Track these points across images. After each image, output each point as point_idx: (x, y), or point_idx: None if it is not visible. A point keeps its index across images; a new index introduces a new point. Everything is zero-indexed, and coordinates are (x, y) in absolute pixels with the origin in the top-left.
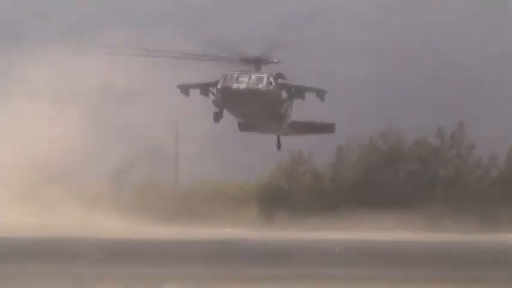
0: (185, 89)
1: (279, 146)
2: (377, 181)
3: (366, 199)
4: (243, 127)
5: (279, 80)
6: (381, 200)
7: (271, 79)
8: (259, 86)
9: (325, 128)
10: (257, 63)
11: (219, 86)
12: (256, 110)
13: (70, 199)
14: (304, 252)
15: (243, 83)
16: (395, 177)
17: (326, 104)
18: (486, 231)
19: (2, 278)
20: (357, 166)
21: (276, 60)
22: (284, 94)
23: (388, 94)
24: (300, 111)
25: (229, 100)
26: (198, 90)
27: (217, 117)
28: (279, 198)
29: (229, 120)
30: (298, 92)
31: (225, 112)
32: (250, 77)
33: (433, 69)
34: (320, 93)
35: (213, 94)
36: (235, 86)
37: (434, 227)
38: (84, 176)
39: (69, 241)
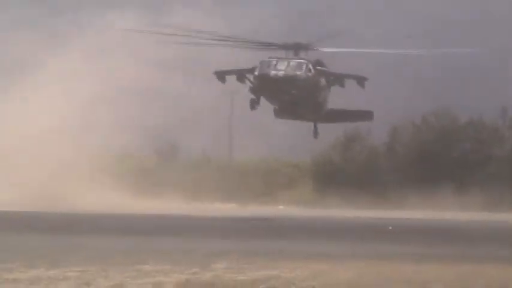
0: (221, 75)
1: (315, 135)
2: (431, 160)
3: (420, 178)
4: (279, 114)
5: (318, 67)
6: (434, 179)
7: (310, 66)
8: (298, 72)
9: (363, 116)
10: (296, 49)
11: (256, 73)
12: (295, 97)
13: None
14: (357, 230)
15: (281, 69)
16: (448, 156)
17: (377, 86)
18: None
19: None
20: (411, 145)
21: (316, 48)
22: (323, 81)
23: (445, 74)
24: (353, 95)
25: (266, 87)
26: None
27: (254, 104)
28: (333, 175)
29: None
30: (337, 79)
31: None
32: (288, 64)
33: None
34: (360, 81)
35: (250, 81)
36: (273, 72)
37: (491, 207)
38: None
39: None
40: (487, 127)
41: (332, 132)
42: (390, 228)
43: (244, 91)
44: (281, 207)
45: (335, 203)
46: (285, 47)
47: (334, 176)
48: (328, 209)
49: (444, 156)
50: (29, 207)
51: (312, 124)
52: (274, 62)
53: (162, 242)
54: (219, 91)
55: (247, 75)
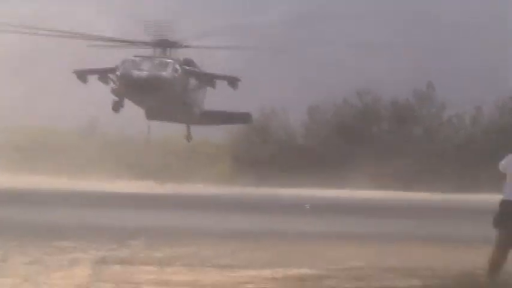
0: (82, 75)
1: (188, 138)
2: (349, 140)
3: (338, 157)
4: (149, 115)
5: (186, 67)
6: (352, 158)
7: (177, 65)
8: (163, 73)
9: (241, 118)
10: (164, 47)
11: (118, 73)
12: (160, 99)
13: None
14: (274, 206)
15: (145, 69)
16: (369, 136)
17: (324, 65)
18: (459, 191)
19: None
20: (329, 125)
21: (185, 45)
22: (192, 82)
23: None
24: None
25: (129, 89)
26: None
27: (117, 106)
28: (251, 154)
29: None
30: (207, 79)
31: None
32: (153, 63)
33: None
34: (232, 82)
35: (113, 81)
36: (136, 73)
37: (407, 187)
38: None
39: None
40: (407, 107)
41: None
42: (307, 206)
43: None
44: (200, 185)
45: (253, 182)
46: (152, 44)
47: (253, 155)
48: (245, 187)
49: (362, 135)
50: None
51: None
52: (138, 61)
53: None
54: None
55: (110, 76)
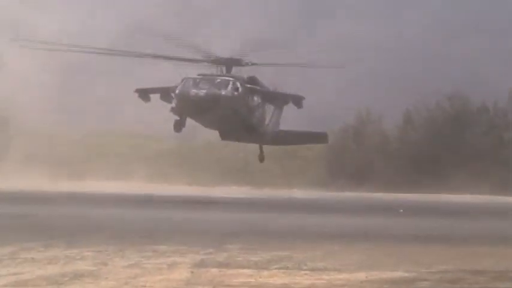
0: (144, 94)
1: (261, 158)
2: (443, 144)
3: (432, 162)
4: (223, 136)
5: (249, 85)
6: (446, 162)
7: (238, 84)
8: (223, 92)
9: (317, 138)
10: (228, 65)
11: (176, 91)
12: (221, 118)
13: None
14: (369, 209)
15: (204, 88)
16: (461, 140)
17: (394, 70)
18: None
19: None
20: (423, 128)
21: (249, 63)
22: (256, 100)
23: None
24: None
25: (187, 108)
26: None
27: (179, 126)
28: (346, 158)
29: None
30: (271, 98)
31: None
32: (212, 82)
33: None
34: (297, 100)
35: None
36: (193, 92)
37: (502, 191)
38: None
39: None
40: (498, 111)
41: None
42: (401, 211)
43: None
44: (295, 190)
45: (347, 186)
46: (216, 62)
47: (347, 159)
48: (340, 192)
49: (457, 140)
50: None
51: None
52: (198, 80)
53: None
54: None
55: (172, 94)
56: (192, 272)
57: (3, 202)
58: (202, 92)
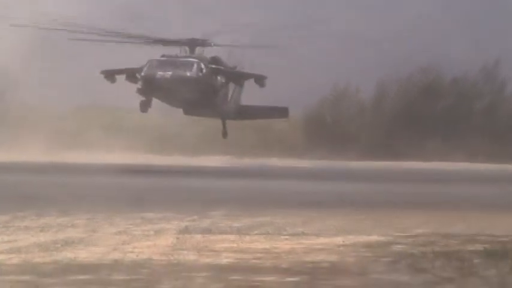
0: (110, 75)
1: (224, 134)
2: (416, 114)
3: (406, 132)
4: (187, 111)
5: (213, 66)
6: (419, 132)
7: (203, 65)
8: (188, 73)
9: (278, 112)
10: (191, 45)
11: (142, 74)
12: (186, 98)
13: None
14: (343, 178)
15: (169, 70)
16: (433, 111)
17: (373, 48)
18: None
19: None
20: (397, 99)
21: (212, 43)
22: (220, 80)
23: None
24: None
25: (154, 89)
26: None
27: (145, 106)
28: (323, 129)
29: None
30: (235, 78)
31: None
32: (177, 64)
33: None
34: (259, 80)
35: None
36: (159, 74)
37: (472, 158)
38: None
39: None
40: (469, 83)
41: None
42: None
43: None
44: (274, 159)
45: (325, 156)
46: (180, 43)
47: (324, 130)
48: (318, 160)
49: (429, 110)
50: None
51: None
52: (162, 62)
53: None
54: None
55: (138, 75)
56: (177, 238)
57: None
58: (167, 74)
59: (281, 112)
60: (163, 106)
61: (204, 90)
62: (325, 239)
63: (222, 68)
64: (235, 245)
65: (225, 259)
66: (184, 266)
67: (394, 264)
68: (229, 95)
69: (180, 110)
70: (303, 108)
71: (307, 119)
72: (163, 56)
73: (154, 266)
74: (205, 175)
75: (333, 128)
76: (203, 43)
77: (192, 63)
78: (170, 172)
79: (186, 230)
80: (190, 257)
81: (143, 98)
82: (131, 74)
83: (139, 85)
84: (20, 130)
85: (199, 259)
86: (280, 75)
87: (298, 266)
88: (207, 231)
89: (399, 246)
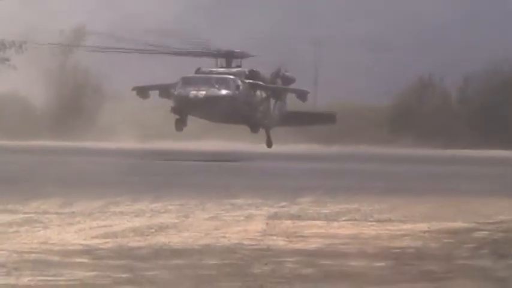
0: (143, 91)
1: (268, 144)
2: (500, 105)
3: (490, 122)
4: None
5: (250, 81)
6: (503, 122)
7: (239, 81)
8: (223, 91)
9: (326, 119)
10: (228, 58)
11: (175, 92)
12: (222, 116)
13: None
14: (429, 166)
15: (203, 89)
16: None
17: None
18: None
19: None
20: (482, 91)
21: (249, 55)
22: (260, 94)
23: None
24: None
25: (188, 109)
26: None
27: (180, 125)
28: (409, 118)
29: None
30: (274, 94)
31: None
32: (211, 81)
33: None
34: (301, 95)
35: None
36: (192, 93)
37: None
38: None
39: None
40: None
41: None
42: None
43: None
44: (362, 146)
45: (411, 144)
46: (215, 55)
47: (410, 118)
48: (403, 149)
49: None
50: None
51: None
52: (196, 80)
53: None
54: None
55: (172, 91)
56: (267, 224)
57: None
58: (201, 94)
59: (329, 118)
60: None
61: (241, 107)
62: (410, 225)
63: (260, 83)
64: (323, 230)
65: (313, 244)
66: (274, 251)
67: (478, 250)
68: (272, 105)
69: None
70: (389, 97)
71: (394, 108)
72: (198, 69)
73: (245, 251)
74: (293, 162)
75: (419, 117)
76: (240, 55)
77: (227, 81)
78: (258, 159)
79: (275, 216)
80: (280, 242)
81: (177, 117)
82: (164, 90)
83: (172, 103)
84: (115, 120)
85: (289, 244)
86: (365, 66)
87: (384, 251)
88: (296, 217)
89: (482, 232)
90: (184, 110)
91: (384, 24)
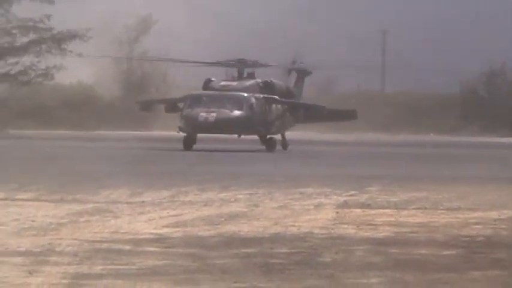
0: (146, 106)
1: (284, 146)
2: None
3: None
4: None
5: (266, 96)
6: None
7: (253, 98)
8: (235, 112)
9: (347, 115)
10: (240, 67)
11: (183, 113)
12: (235, 133)
13: None
14: (498, 154)
15: (213, 109)
16: None
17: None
18: None
19: None
20: None
21: (264, 64)
22: (275, 108)
23: None
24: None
25: (195, 129)
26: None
27: (189, 145)
28: (477, 106)
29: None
30: (290, 108)
31: None
32: (222, 100)
33: None
34: (318, 110)
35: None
36: (202, 116)
37: None
38: None
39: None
40: None
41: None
42: None
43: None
44: (431, 134)
45: (479, 132)
46: (227, 64)
47: (479, 106)
48: (472, 137)
49: None
50: None
51: None
52: (205, 99)
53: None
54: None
55: (179, 105)
56: (337, 212)
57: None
58: (211, 117)
59: (350, 114)
60: None
61: (255, 126)
62: (480, 213)
63: (276, 97)
64: (393, 219)
65: (383, 233)
66: (344, 240)
67: None
68: (288, 115)
69: None
70: (458, 85)
71: (462, 96)
72: (207, 82)
73: (314, 239)
74: (359, 150)
75: (487, 105)
76: (253, 64)
77: (240, 99)
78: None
79: (345, 205)
80: (350, 230)
81: (185, 135)
82: (170, 105)
83: (179, 122)
84: None
85: (358, 233)
86: (433, 53)
87: (454, 239)
88: (366, 205)
89: None
90: (193, 130)
91: (453, 10)
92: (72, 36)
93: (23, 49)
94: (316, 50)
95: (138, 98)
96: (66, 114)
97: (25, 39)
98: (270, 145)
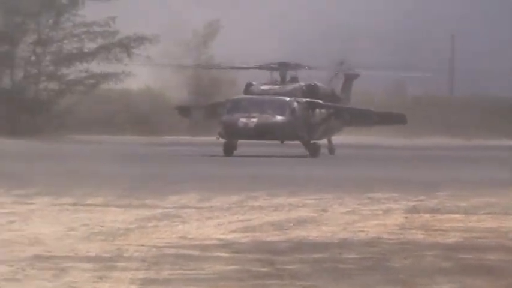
0: (185, 111)
1: (331, 151)
2: None
3: None
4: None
5: (309, 100)
6: None
7: (295, 103)
8: (277, 117)
9: (396, 119)
10: (283, 70)
11: (223, 118)
12: (277, 138)
13: None
14: None
15: (253, 115)
16: None
17: None
18: None
19: None
20: None
21: (306, 67)
22: (319, 113)
23: None
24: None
25: (236, 135)
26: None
27: (229, 151)
28: None
29: None
30: (335, 113)
31: None
32: (263, 105)
33: None
34: (366, 116)
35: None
36: (242, 121)
37: None
38: None
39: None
40: None
41: None
42: None
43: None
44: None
45: None
46: (269, 68)
47: None
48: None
49: None
50: None
51: None
52: (245, 104)
53: None
54: None
55: (219, 109)
56: (406, 218)
57: None
58: (252, 123)
59: (399, 118)
60: None
61: (298, 130)
62: None
63: (319, 102)
64: (462, 224)
65: (452, 238)
66: (413, 245)
67: None
68: (333, 120)
69: None
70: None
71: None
72: (248, 85)
73: (383, 244)
74: (429, 154)
75: None
76: (296, 66)
77: (282, 104)
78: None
79: (414, 210)
80: (419, 236)
81: (225, 141)
82: (210, 111)
83: (219, 128)
84: None
85: (428, 238)
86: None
87: None
88: (435, 210)
89: None
90: (233, 136)
91: None
92: (140, 40)
93: (92, 55)
94: (382, 53)
95: (207, 102)
96: (134, 119)
97: (93, 45)
98: (313, 150)
